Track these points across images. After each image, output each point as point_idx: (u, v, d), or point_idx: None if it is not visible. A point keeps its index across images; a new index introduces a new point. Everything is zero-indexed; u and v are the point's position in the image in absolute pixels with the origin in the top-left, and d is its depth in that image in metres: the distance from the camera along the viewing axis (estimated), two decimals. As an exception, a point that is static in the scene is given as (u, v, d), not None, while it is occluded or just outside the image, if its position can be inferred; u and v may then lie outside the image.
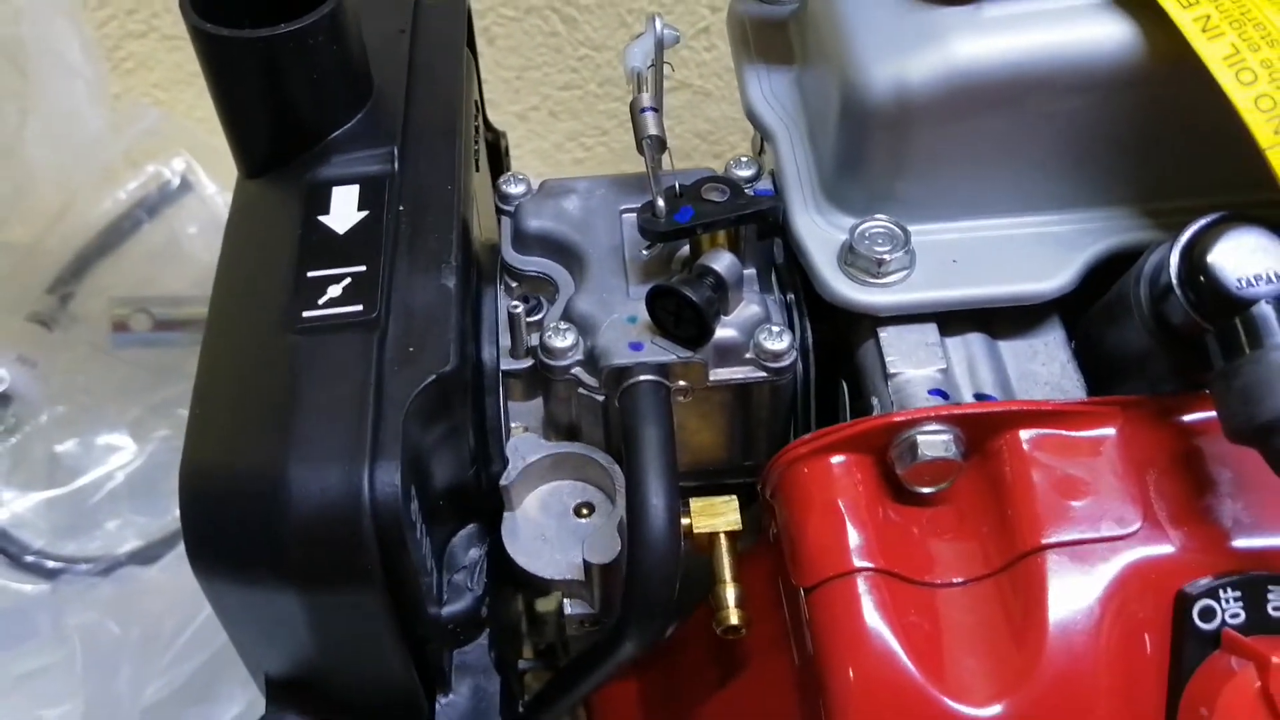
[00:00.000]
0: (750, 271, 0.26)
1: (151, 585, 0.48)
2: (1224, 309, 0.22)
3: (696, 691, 0.29)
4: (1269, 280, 0.22)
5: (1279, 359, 0.21)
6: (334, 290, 0.24)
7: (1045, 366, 0.25)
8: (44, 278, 0.52)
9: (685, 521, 0.26)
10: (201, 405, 0.24)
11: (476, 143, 0.31)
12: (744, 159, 0.28)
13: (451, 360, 0.23)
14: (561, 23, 0.60)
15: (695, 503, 0.26)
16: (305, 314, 0.24)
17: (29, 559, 0.48)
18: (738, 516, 0.26)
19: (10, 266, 0.51)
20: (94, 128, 0.52)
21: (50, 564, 0.48)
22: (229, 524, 0.22)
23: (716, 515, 0.26)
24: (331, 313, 0.24)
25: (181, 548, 0.23)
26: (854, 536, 0.23)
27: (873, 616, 0.23)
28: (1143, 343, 0.24)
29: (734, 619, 0.25)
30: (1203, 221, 0.22)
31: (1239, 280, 0.22)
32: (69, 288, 0.51)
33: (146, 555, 0.49)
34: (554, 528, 0.26)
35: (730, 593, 0.25)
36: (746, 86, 0.28)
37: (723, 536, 0.26)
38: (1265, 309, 0.21)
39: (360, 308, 0.24)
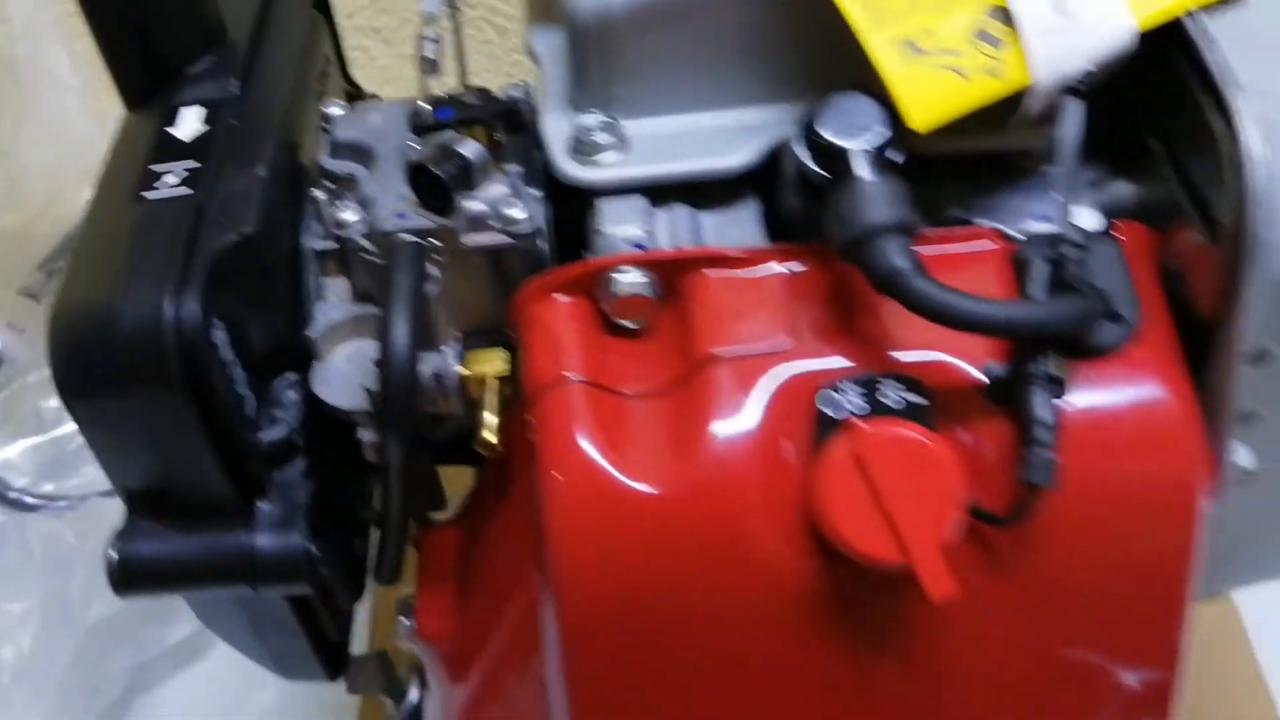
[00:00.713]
0: (516, 168, 0.32)
1: (114, 510, 0.55)
2: (830, 158, 0.27)
3: (484, 531, 0.35)
4: (864, 130, 0.28)
5: (860, 186, 0.27)
6: (170, 179, 0.31)
7: (739, 231, 0.31)
8: (34, 257, 0.60)
9: (459, 368, 0.33)
10: (71, 266, 0.31)
11: (326, 88, 0.38)
12: (518, 83, 0.34)
13: (253, 225, 0.30)
14: (495, 32, 0.68)
15: (469, 354, 0.33)
16: (145, 194, 0.31)
17: (11, 495, 0.55)
18: (504, 364, 0.32)
19: (3, 248, 0.59)
20: (82, 132, 0.60)
21: (29, 499, 0.55)
22: (78, 348, 0.29)
23: (485, 362, 0.32)
24: (166, 194, 0.31)
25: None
26: (567, 355, 0.29)
27: (580, 415, 0.28)
28: (798, 204, 0.30)
29: (489, 436, 0.31)
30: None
31: (835, 130, 0.27)
32: (55, 265, 0.59)
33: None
34: (354, 374, 0.32)
35: (490, 418, 0.31)
36: (528, 24, 0.35)
37: (489, 378, 0.32)
38: (861, 160, 0.27)
39: (190, 191, 0.31)
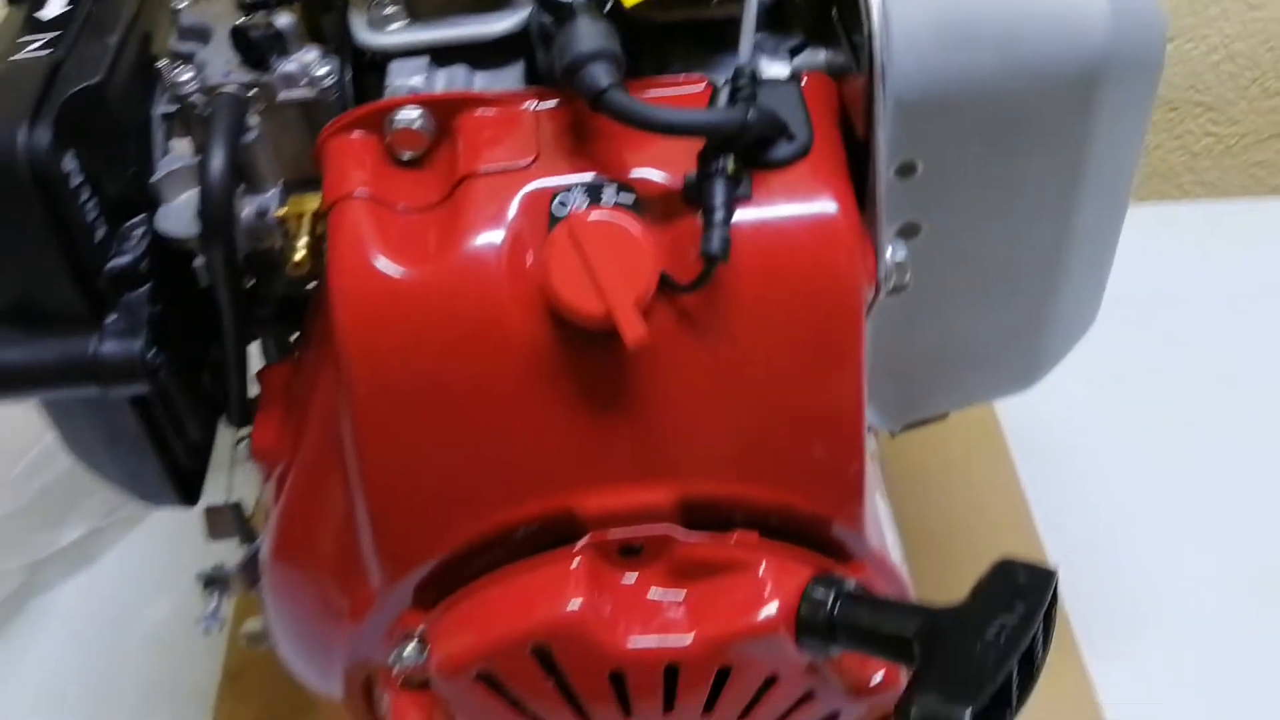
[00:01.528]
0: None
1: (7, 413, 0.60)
2: (557, 11, 0.34)
3: (303, 356, 0.41)
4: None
5: (575, 25, 0.34)
6: (35, 46, 0.38)
7: (507, 84, 0.38)
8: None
9: (280, 208, 0.39)
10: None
11: None
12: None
13: (99, 76, 0.36)
14: None
15: (289, 198, 0.39)
16: (14, 57, 0.37)
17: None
18: (316, 203, 0.39)
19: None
20: None
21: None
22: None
23: (301, 203, 0.39)
24: (28, 55, 0.37)
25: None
26: (355, 176, 0.36)
27: (363, 221, 0.35)
28: (543, 54, 0.37)
29: (299, 256, 0.38)
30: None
31: (557, -14, 0.35)
32: None
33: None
34: (189, 211, 0.38)
35: (302, 241, 0.38)
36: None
37: (305, 215, 0.39)
38: (579, 8, 0.34)
39: (49, 51, 0.37)
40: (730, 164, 0.33)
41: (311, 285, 0.43)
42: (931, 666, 0.33)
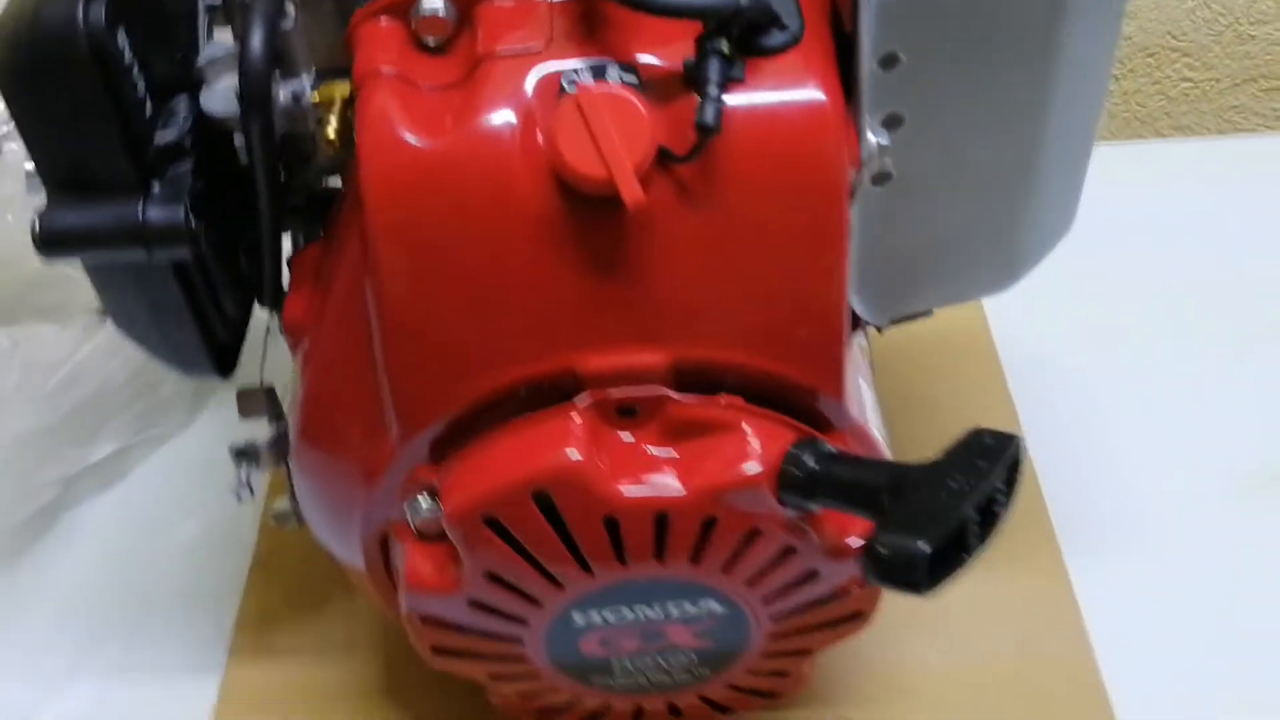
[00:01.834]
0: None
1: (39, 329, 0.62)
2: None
3: (331, 234, 0.45)
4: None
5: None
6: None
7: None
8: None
9: (313, 95, 0.42)
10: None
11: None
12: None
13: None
14: None
15: (322, 83, 0.42)
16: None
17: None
18: (347, 89, 0.42)
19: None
20: None
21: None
22: (11, 48, 0.38)
23: (333, 88, 0.42)
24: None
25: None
26: (382, 57, 0.39)
27: (389, 95, 0.38)
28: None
29: (330, 134, 0.41)
30: None
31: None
32: None
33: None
34: (231, 92, 0.42)
35: (332, 122, 0.41)
36: None
37: (336, 99, 0.42)
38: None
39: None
40: (725, 46, 0.36)
41: (337, 182, 0.47)
42: (897, 511, 0.36)
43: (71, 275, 0.56)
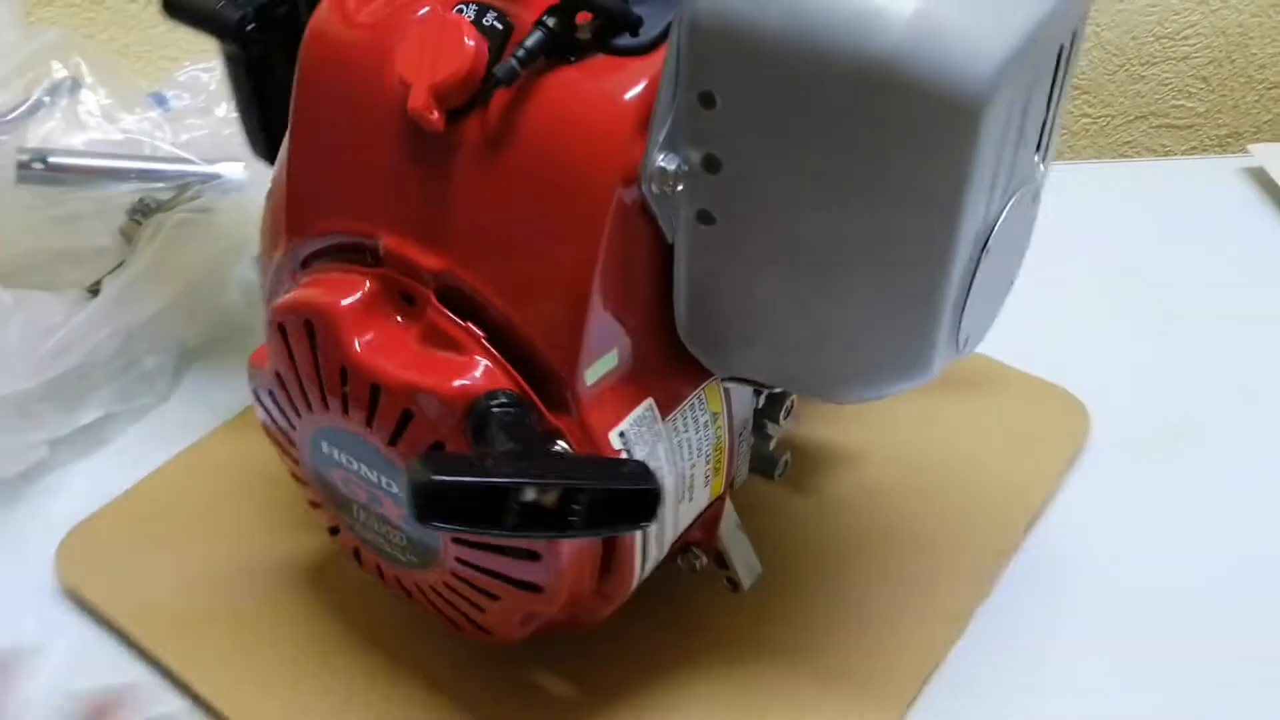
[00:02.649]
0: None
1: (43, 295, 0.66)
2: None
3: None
4: None
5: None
6: None
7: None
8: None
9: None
10: None
11: None
12: None
13: None
14: None
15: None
16: None
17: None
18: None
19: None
20: (8, 39, 0.72)
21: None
22: None
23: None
24: None
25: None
26: (384, -48, 0.48)
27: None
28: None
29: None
30: None
31: None
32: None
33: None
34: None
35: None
36: None
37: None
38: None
39: None
40: (553, 21, 0.41)
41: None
42: (452, 457, 0.39)
43: (63, 253, 0.67)
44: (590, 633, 0.53)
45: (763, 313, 0.44)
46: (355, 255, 0.47)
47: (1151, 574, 0.62)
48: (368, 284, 0.46)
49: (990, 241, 0.43)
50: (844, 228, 0.41)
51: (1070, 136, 0.99)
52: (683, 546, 0.56)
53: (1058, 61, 0.42)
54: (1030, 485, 0.65)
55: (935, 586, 0.60)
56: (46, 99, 0.68)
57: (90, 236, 0.68)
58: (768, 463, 0.60)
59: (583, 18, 0.41)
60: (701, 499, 0.52)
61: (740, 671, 0.56)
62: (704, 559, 0.57)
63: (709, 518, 0.55)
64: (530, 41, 0.41)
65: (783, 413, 0.55)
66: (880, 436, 0.68)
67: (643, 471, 0.41)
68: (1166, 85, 1.00)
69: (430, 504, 0.37)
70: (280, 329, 0.48)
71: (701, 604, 0.58)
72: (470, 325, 0.45)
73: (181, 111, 0.73)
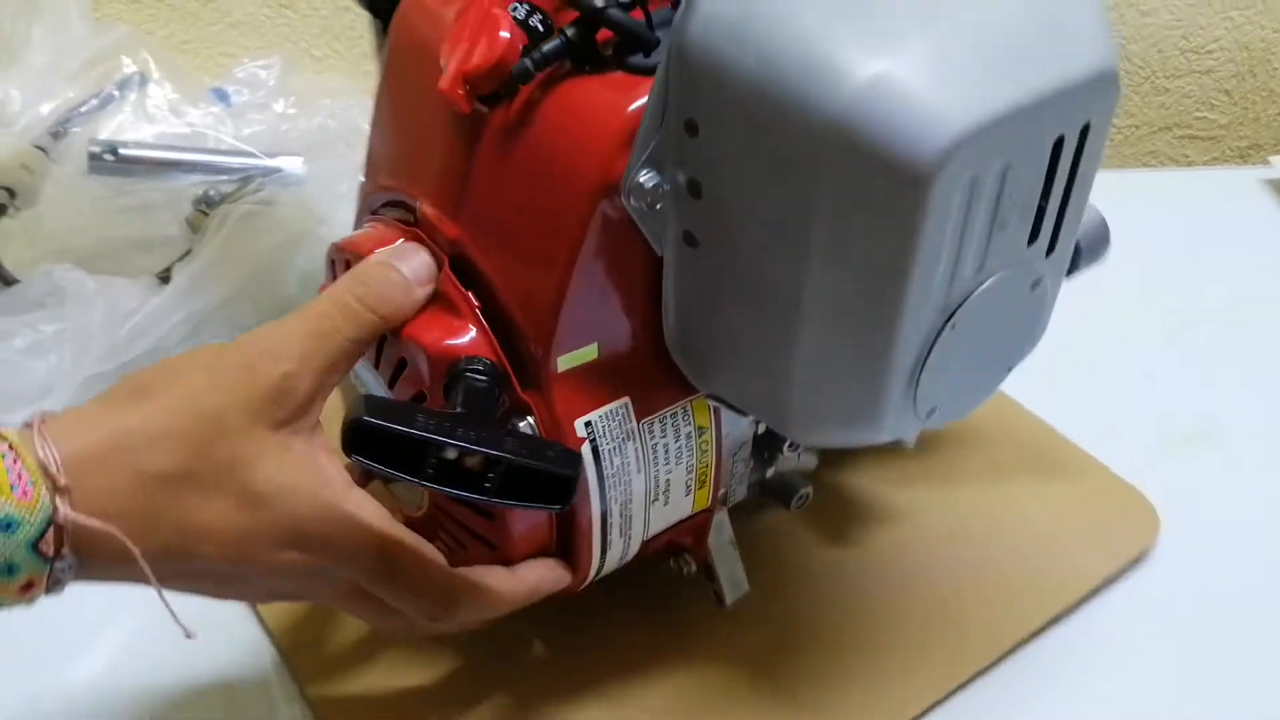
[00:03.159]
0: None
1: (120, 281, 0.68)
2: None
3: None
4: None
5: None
6: None
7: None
8: (43, 125, 0.73)
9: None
10: None
11: None
12: None
13: None
14: None
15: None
16: None
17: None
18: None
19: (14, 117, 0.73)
20: (79, 34, 0.75)
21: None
22: None
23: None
24: None
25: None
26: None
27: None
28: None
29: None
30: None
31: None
32: (61, 127, 0.72)
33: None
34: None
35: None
36: None
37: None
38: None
39: None
40: (573, 31, 0.44)
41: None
42: (392, 404, 0.43)
43: (132, 241, 0.70)
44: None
45: (734, 339, 0.46)
46: (404, 213, 0.52)
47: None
48: (401, 240, 0.51)
49: (957, 317, 0.43)
50: (803, 275, 0.42)
51: None
52: (673, 549, 0.58)
53: (1056, 152, 0.41)
54: (1074, 577, 0.63)
55: (931, 655, 0.59)
56: (116, 93, 0.72)
57: (159, 226, 0.70)
58: (786, 490, 0.61)
59: (604, 35, 0.44)
60: (682, 507, 0.54)
61: (717, 675, 0.58)
62: (692, 566, 0.59)
63: (696, 526, 0.57)
64: (547, 46, 0.44)
65: (787, 444, 0.56)
66: (937, 501, 0.67)
67: (566, 458, 0.44)
68: (1190, 97, 1.02)
69: (356, 440, 0.41)
70: (332, 263, 0.53)
71: (690, 613, 0.60)
72: (470, 295, 0.49)
73: (242, 107, 0.76)
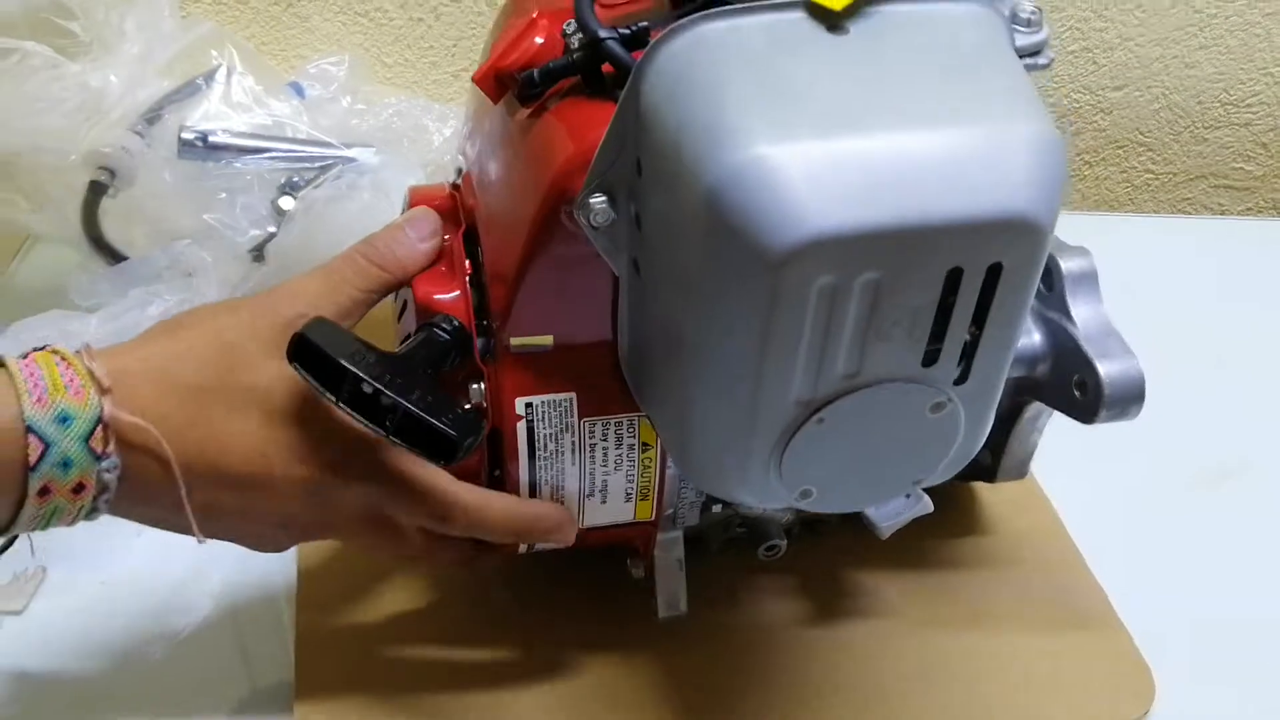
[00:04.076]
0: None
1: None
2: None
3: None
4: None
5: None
6: None
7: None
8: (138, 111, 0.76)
9: None
10: None
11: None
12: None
13: None
14: (487, 6, 0.92)
15: None
16: None
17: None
18: None
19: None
20: (168, 29, 0.78)
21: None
22: None
23: None
24: None
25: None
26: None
27: None
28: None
29: None
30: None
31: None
32: (155, 113, 0.76)
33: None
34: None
35: None
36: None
37: None
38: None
39: None
40: (579, 56, 0.47)
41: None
42: (337, 331, 0.49)
43: (223, 222, 0.74)
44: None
45: (656, 372, 0.49)
46: (459, 177, 0.59)
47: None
48: (448, 200, 0.57)
49: (826, 414, 0.43)
50: (692, 330, 0.44)
51: (1133, 190, 1.08)
52: (627, 548, 0.62)
53: (955, 284, 0.40)
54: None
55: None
56: (203, 83, 0.76)
57: (245, 208, 0.74)
58: (759, 535, 0.62)
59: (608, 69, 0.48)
60: (622, 512, 0.57)
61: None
62: (640, 571, 0.62)
63: (643, 535, 0.60)
64: (554, 63, 0.48)
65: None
66: (929, 604, 0.66)
67: (460, 422, 0.48)
68: (1228, 148, 1.05)
69: (295, 350, 0.48)
70: (405, 206, 0.61)
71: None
72: (468, 263, 0.54)
73: (315, 100, 0.80)
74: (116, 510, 0.48)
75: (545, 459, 0.54)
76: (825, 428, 0.44)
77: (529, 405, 0.53)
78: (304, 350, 0.48)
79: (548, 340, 0.52)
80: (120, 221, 0.75)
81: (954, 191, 0.39)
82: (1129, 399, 0.55)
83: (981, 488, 0.72)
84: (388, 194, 0.68)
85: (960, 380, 0.44)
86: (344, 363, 0.48)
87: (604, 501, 0.57)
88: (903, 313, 0.41)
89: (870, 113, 0.40)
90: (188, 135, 0.73)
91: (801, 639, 0.63)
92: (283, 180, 0.74)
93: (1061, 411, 0.58)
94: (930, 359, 0.43)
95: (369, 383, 0.48)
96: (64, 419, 0.44)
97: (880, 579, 0.67)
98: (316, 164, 0.74)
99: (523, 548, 0.59)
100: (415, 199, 0.57)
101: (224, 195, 0.73)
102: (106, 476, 0.46)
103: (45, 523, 0.46)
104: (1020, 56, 0.47)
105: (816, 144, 0.39)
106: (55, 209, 0.75)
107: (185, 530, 0.50)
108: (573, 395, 0.53)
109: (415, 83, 0.98)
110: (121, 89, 0.73)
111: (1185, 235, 0.99)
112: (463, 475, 0.55)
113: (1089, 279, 0.58)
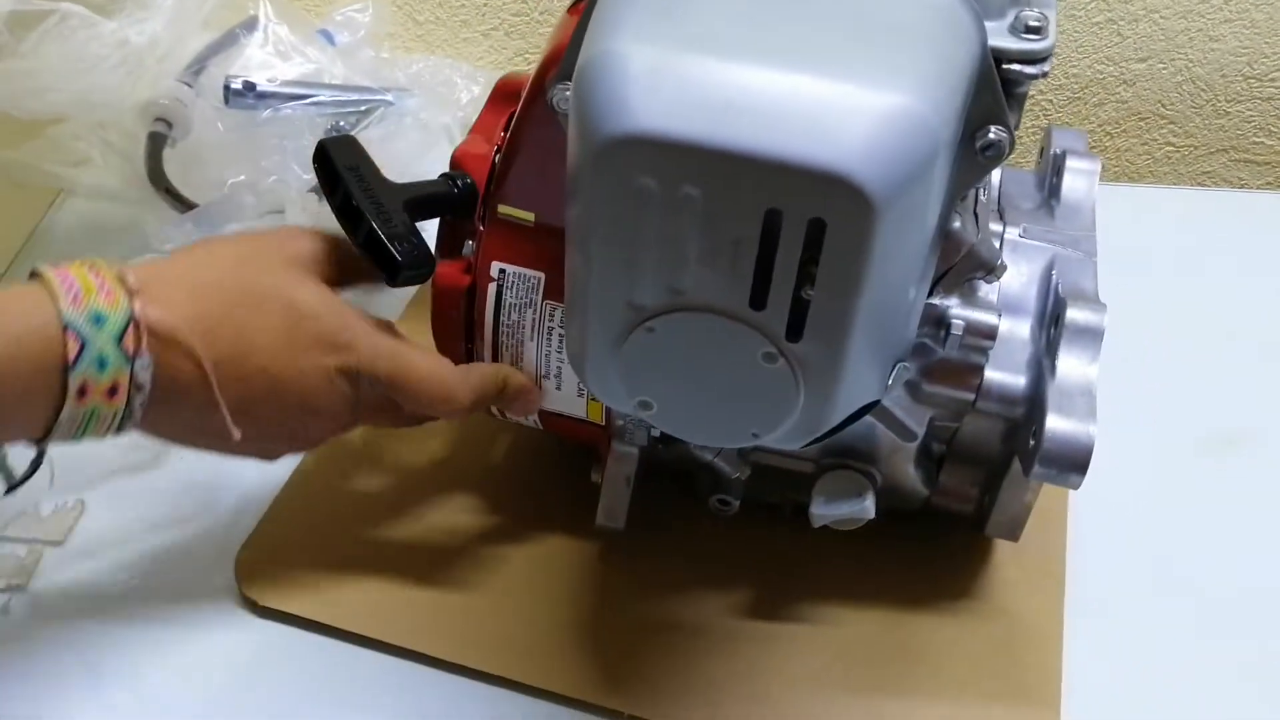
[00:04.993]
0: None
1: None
2: None
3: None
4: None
5: None
6: None
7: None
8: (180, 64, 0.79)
9: None
10: None
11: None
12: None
13: None
14: None
15: None
16: None
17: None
18: None
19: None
20: None
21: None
22: None
23: None
24: None
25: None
26: None
27: None
28: None
29: None
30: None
31: None
32: (200, 64, 0.79)
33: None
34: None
35: None
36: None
37: None
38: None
39: None
40: None
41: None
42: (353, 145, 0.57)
43: (278, 166, 0.76)
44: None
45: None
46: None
47: None
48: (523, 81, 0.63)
49: (657, 324, 0.45)
50: (568, 211, 0.47)
51: (1154, 162, 1.06)
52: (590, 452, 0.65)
53: (776, 228, 0.41)
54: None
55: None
56: (242, 34, 0.78)
57: (297, 153, 0.77)
58: (713, 484, 0.64)
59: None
60: (575, 405, 0.61)
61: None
62: (599, 478, 0.65)
63: (596, 439, 0.63)
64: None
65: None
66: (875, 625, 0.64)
67: (411, 252, 0.54)
68: (1250, 122, 1.03)
69: (317, 154, 0.57)
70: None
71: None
72: (505, 135, 0.60)
73: (346, 48, 0.81)
74: (148, 421, 0.49)
75: (508, 327, 0.59)
76: (656, 338, 0.46)
77: (502, 271, 0.58)
78: (322, 156, 0.57)
79: (529, 217, 0.57)
80: (180, 170, 0.79)
81: (777, 130, 0.40)
82: (1068, 463, 0.51)
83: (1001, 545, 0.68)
84: (432, 133, 0.72)
85: (793, 337, 0.44)
86: (338, 171, 0.56)
87: (559, 389, 0.61)
88: (724, 241, 0.42)
89: (742, 45, 0.41)
90: (235, 84, 0.76)
91: (725, 627, 0.64)
92: (329, 126, 0.77)
93: (1017, 456, 0.55)
94: (759, 303, 0.44)
95: (356, 198, 0.55)
96: (98, 319, 0.45)
97: (844, 590, 0.65)
98: (360, 108, 0.78)
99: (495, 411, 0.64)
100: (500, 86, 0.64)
101: (276, 140, 0.76)
102: (141, 375, 0.47)
103: (82, 430, 0.47)
104: (1012, 62, 0.46)
105: (671, 54, 0.41)
106: (116, 162, 0.79)
107: (217, 434, 0.51)
108: (541, 275, 0.58)
109: (446, 40, 1.02)
110: (165, 43, 0.75)
111: (1205, 208, 0.96)
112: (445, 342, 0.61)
113: (1090, 335, 0.54)
